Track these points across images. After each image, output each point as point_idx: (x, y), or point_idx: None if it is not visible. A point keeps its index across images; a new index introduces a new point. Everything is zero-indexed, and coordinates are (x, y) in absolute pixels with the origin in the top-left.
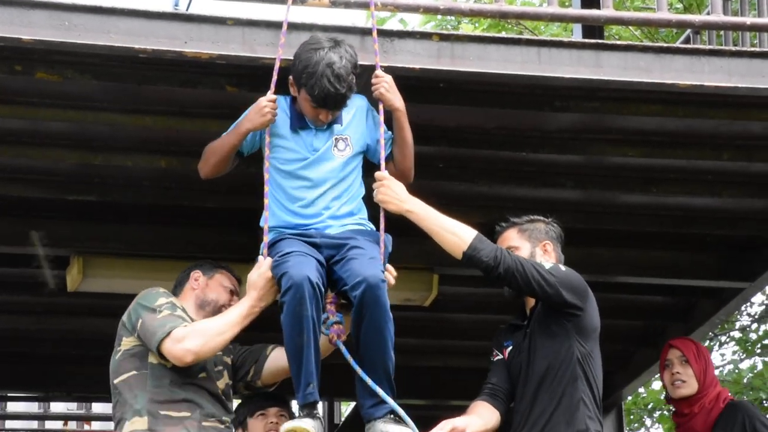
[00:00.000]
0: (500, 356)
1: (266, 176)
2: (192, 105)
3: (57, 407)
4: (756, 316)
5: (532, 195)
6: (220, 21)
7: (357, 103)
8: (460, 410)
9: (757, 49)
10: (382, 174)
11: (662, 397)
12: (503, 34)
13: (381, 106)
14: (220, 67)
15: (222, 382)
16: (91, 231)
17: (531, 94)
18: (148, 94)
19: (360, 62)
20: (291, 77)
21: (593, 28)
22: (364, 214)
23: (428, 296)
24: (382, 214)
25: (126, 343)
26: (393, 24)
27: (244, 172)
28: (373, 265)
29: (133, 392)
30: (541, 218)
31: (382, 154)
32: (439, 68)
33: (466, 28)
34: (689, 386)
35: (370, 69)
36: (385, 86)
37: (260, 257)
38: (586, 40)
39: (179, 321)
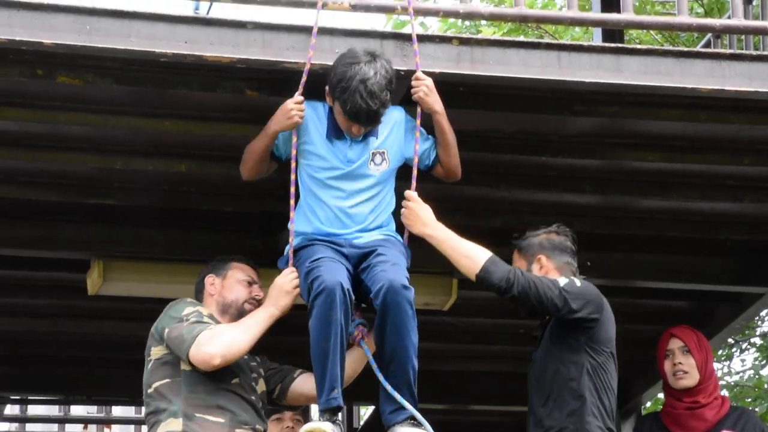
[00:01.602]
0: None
1: (292, 177)
2: (212, 109)
3: (77, 410)
4: None
5: (552, 199)
6: (240, 25)
7: (395, 117)
8: (481, 415)
9: None
10: (411, 194)
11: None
12: (523, 38)
13: (419, 110)
14: (240, 71)
15: (258, 389)
16: (111, 235)
17: (551, 98)
18: (168, 98)
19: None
20: (327, 88)
21: (613, 32)
22: (393, 226)
23: (447, 300)
24: (406, 231)
25: (155, 352)
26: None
27: (264, 176)
28: (396, 270)
29: (168, 398)
30: (538, 231)
31: (414, 172)
32: (458, 72)
33: (486, 32)
34: (691, 377)
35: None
36: (425, 90)
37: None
38: (606, 44)
39: (206, 326)
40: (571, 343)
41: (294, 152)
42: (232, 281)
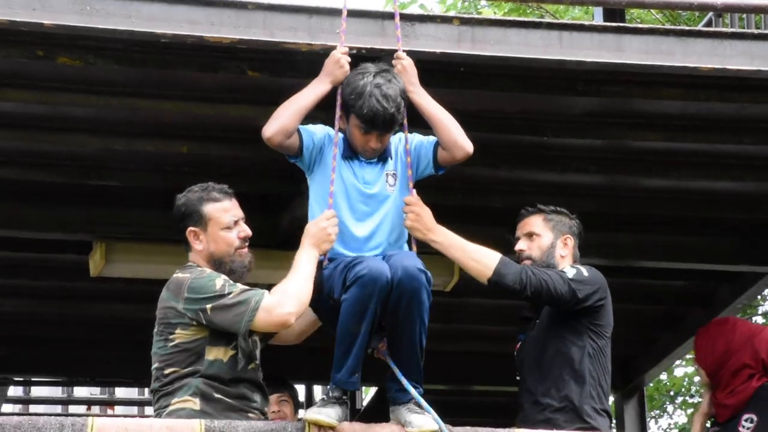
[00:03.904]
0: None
1: (330, 201)
2: (213, 90)
3: (80, 392)
4: None
5: (554, 179)
6: (241, 5)
7: (395, 140)
8: (482, 395)
9: None
10: (412, 199)
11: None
12: (524, 18)
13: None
14: (241, 52)
15: (258, 351)
16: (114, 216)
17: (552, 78)
18: (169, 79)
19: (380, 47)
20: (340, 110)
21: (614, 12)
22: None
23: (450, 281)
24: (413, 240)
25: (182, 335)
26: (413, 9)
27: (266, 156)
28: (411, 257)
29: (186, 381)
30: (566, 212)
31: (408, 172)
32: (459, 52)
33: (486, 13)
34: (701, 376)
35: (391, 53)
36: (399, 68)
37: (325, 210)
38: (608, 24)
39: (254, 292)
40: (574, 326)
41: (332, 176)
42: (216, 230)
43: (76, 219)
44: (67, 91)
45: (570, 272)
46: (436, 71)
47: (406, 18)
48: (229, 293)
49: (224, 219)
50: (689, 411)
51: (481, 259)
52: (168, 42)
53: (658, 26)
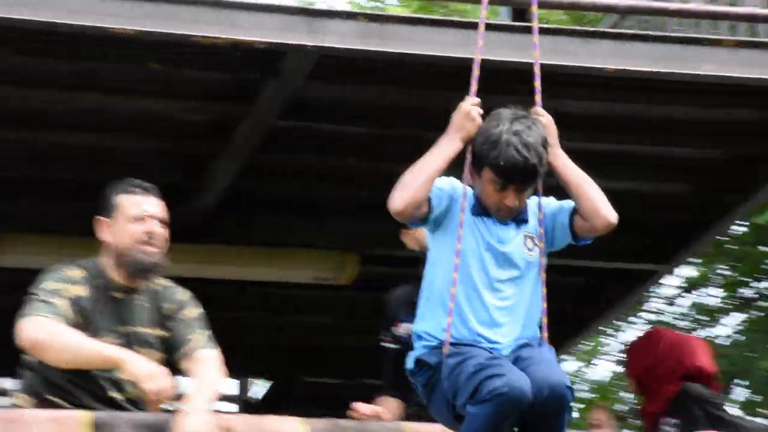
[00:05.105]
0: None
1: (456, 260)
2: (117, 81)
3: None
4: (668, 299)
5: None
6: None
7: (532, 206)
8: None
9: (681, 35)
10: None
11: None
12: (433, 16)
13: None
14: (145, 44)
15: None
16: (7, 207)
17: (458, 75)
18: (70, 70)
19: (287, 42)
20: (469, 163)
21: (522, 12)
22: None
23: (341, 276)
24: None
25: None
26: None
27: (166, 149)
28: (555, 367)
29: (27, 373)
30: None
31: (540, 245)
32: (366, 48)
33: (394, 11)
34: (632, 387)
35: (297, 49)
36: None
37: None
38: (516, 23)
39: (42, 305)
40: None
41: (463, 204)
42: (122, 221)
43: None
44: None
45: None
46: (342, 67)
47: (311, 13)
48: (36, 296)
49: (131, 211)
50: (582, 407)
51: None
52: (70, 32)
53: (564, 27)
